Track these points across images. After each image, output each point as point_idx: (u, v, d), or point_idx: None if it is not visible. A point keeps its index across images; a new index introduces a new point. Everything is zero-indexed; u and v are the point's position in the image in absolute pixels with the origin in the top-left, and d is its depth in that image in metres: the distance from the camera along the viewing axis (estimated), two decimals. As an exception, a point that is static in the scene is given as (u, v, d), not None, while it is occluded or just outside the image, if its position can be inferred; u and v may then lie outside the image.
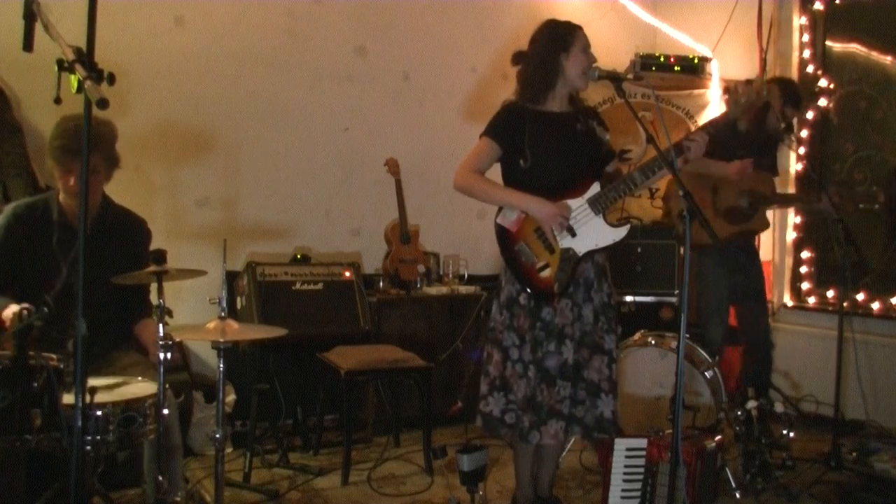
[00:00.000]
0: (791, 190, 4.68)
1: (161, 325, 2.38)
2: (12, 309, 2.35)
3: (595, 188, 2.73)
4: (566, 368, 2.70)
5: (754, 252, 4.04)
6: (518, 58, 2.81)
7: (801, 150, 4.60)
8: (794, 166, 4.69)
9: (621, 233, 2.73)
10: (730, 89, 2.83)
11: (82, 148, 1.74)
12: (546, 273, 2.72)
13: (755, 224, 3.82)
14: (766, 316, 4.06)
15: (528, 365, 2.72)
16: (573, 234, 2.70)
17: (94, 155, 2.67)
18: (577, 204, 2.72)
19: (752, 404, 3.32)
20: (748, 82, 3.01)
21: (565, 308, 2.72)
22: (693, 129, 4.91)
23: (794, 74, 4.72)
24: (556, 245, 2.72)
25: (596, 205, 2.71)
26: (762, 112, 3.79)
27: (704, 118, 4.99)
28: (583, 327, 2.74)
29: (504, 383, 2.76)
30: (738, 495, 3.20)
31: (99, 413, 2.24)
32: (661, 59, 4.99)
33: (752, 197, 3.75)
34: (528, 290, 2.72)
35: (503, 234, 2.77)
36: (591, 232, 2.71)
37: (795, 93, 3.93)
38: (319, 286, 3.98)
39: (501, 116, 2.80)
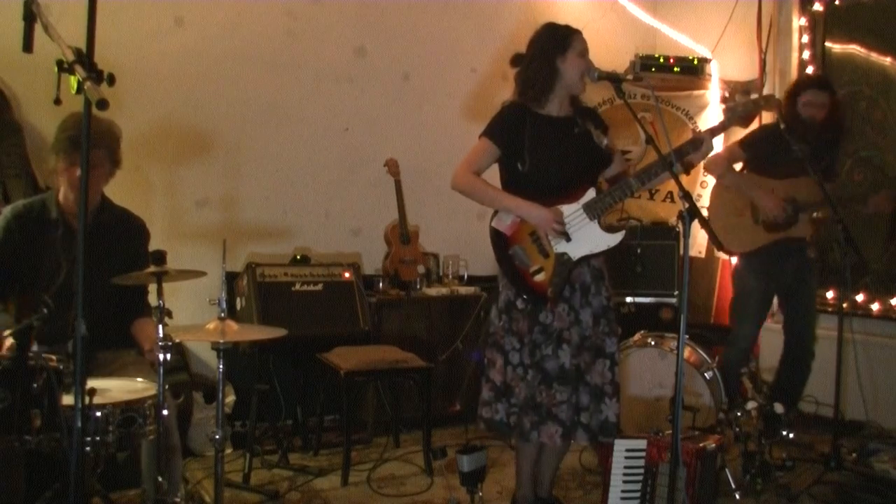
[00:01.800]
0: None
1: (161, 326, 2.38)
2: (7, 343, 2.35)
3: (591, 194, 2.73)
4: (564, 373, 2.70)
5: (804, 255, 3.89)
6: (517, 60, 2.81)
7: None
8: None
9: (616, 238, 2.74)
10: (727, 99, 2.86)
11: (82, 147, 1.75)
12: (540, 277, 2.72)
13: (797, 231, 3.78)
14: (809, 323, 3.97)
15: (528, 368, 2.72)
16: (568, 239, 2.71)
17: (99, 150, 2.68)
18: (573, 209, 2.72)
19: (752, 405, 3.32)
20: (768, 98, 3.02)
21: (562, 312, 2.72)
22: (693, 130, 4.93)
23: (793, 75, 4.72)
24: (551, 250, 2.72)
25: (591, 210, 2.72)
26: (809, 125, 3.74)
27: (704, 119, 5.00)
28: (582, 331, 2.74)
29: (507, 388, 2.76)
30: (737, 496, 3.20)
31: (98, 414, 2.24)
32: (661, 59, 4.99)
33: (794, 205, 3.73)
34: (523, 293, 2.73)
35: (498, 238, 2.77)
36: (586, 237, 2.72)
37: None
38: (319, 287, 3.97)
39: (501, 118, 2.80)
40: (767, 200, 3.73)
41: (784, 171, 3.75)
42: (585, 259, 2.74)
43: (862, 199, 3.81)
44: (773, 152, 3.76)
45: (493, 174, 2.85)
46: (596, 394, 2.75)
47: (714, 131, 2.79)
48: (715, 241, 2.51)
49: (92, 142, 2.57)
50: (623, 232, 2.76)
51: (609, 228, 2.76)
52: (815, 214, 3.84)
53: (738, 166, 3.95)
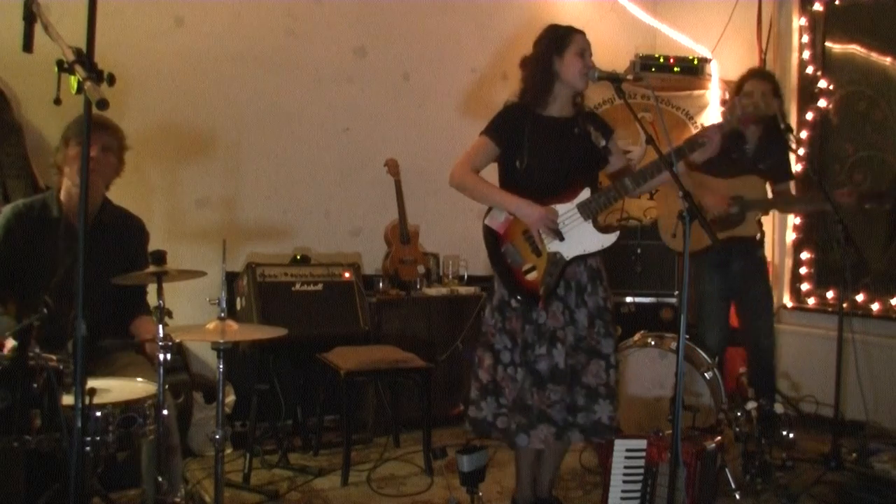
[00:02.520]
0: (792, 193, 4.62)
1: (161, 326, 2.38)
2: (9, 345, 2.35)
3: (585, 193, 2.73)
4: (557, 372, 2.69)
5: (753, 256, 3.90)
6: (523, 62, 2.83)
7: (801, 152, 4.60)
8: (794, 167, 4.68)
9: (609, 239, 2.74)
10: (727, 102, 2.86)
11: (83, 148, 1.75)
12: (532, 276, 2.72)
13: (743, 230, 3.75)
14: (765, 321, 3.95)
15: (518, 367, 2.72)
16: (561, 239, 2.71)
17: (110, 136, 2.70)
18: (567, 209, 2.72)
19: (752, 405, 3.32)
20: (767, 100, 3.01)
21: (557, 311, 2.72)
22: (692, 130, 4.93)
23: (793, 75, 4.73)
24: (544, 248, 2.72)
25: (585, 210, 2.72)
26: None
27: (704, 119, 5.00)
28: (577, 332, 2.74)
29: (496, 387, 2.75)
30: (737, 496, 3.19)
31: (98, 414, 2.24)
32: (661, 59, 4.99)
33: (742, 203, 3.73)
34: (514, 292, 2.72)
35: (491, 236, 2.78)
36: (579, 237, 2.72)
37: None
38: (319, 287, 3.98)
39: (502, 116, 2.81)
40: (710, 198, 3.69)
41: (731, 170, 3.73)
42: (581, 258, 2.74)
43: (824, 199, 3.78)
44: (721, 151, 3.75)
45: (492, 175, 2.85)
46: (590, 395, 2.74)
47: (706, 132, 2.78)
48: (715, 242, 2.51)
49: (102, 125, 2.60)
50: (617, 233, 2.76)
51: (603, 229, 2.75)
52: (760, 215, 3.84)
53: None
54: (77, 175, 2.68)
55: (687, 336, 2.42)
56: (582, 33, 2.76)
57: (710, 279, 3.86)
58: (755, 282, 3.88)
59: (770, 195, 3.84)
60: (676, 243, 3.83)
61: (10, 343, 2.28)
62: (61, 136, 2.75)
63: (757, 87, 3.76)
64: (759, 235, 3.86)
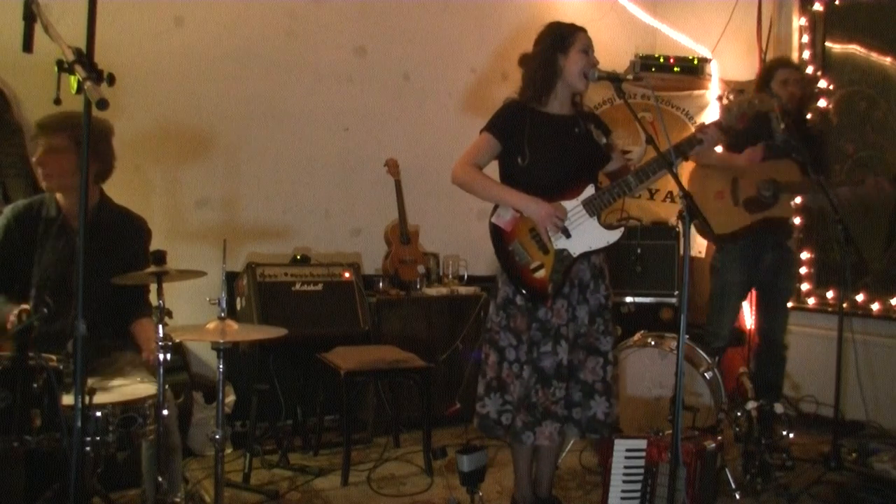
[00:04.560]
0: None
1: (161, 326, 2.38)
2: (14, 312, 2.36)
3: (590, 190, 2.74)
4: (561, 369, 2.70)
5: (783, 248, 3.91)
6: (523, 59, 2.83)
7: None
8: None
9: (615, 235, 2.75)
10: (722, 98, 2.88)
11: (83, 147, 1.75)
12: (540, 273, 2.72)
13: (777, 211, 3.76)
14: (781, 315, 3.97)
15: (524, 365, 2.72)
16: (568, 236, 2.71)
17: (62, 135, 2.60)
18: (572, 205, 2.73)
19: (752, 405, 3.32)
20: (763, 97, 3.03)
21: (561, 308, 2.72)
22: (692, 130, 4.92)
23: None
24: (551, 246, 2.72)
25: (590, 207, 2.72)
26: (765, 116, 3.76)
27: (704, 119, 4.99)
28: (577, 328, 2.75)
29: (500, 384, 2.76)
30: (737, 496, 3.20)
31: (98, 414, 2.25)
32: (661, 59, 4.99)
33: (774, 186, 3.72)
34: (522, 290, 2.73)
35: (497, 234, 2.78)
36: (586, 234, 2.72)
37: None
38: (319, 287, 3.98)
39: (503, 113, 2.81)
40: (740, 158, 3.69)
41: (768, 154, 3.74)
42: (586, 256, 2.74)
43: (858, 181, 3.77)
44: (755, 136, 3.75)
45: (493, 173, 2.85)
46: (586, 391, 2.75)
47: (708, 128, 2.79)
48: (715, 241, 2.51)
49: (53, 127, 2.57)
50: (622, 229, 2.76)
51: (608, 226, 2.77)
52: (795, 199, 3.85)
53: (718, 149, 3.93)
54: (43, 181, 2.68)
55: (687, 336, 2.42)
56: (585, 31, 2.77)
57: (737, 270, 3.87)
58: (783, 275, 3.91)
59: None
60: (718, 224, 3.71)
61: (13, 315, 2.28)
62: None
63: (792, 74, 3.80)
64: (790, 220, 3.86)
